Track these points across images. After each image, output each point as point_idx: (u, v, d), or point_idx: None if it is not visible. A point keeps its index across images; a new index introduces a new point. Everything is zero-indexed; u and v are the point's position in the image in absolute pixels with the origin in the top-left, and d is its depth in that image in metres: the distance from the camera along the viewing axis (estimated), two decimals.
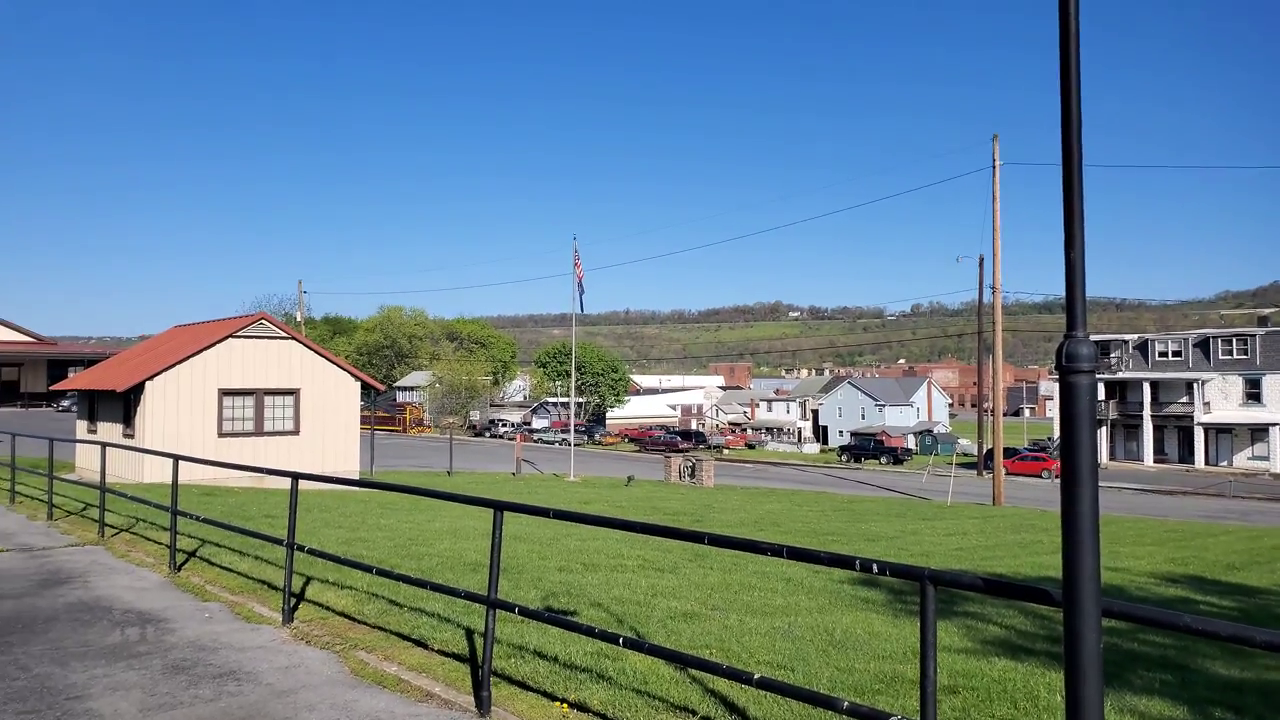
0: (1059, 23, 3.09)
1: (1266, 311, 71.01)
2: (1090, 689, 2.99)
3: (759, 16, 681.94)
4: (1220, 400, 64.12)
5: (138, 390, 23.72)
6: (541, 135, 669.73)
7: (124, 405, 24.71)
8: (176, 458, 10.12)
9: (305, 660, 6.46)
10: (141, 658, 6.45)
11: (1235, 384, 63.55)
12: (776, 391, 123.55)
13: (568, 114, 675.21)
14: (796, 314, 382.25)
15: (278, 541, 8.13)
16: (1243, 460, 62.70)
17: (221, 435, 24.52)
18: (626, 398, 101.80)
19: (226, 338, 24.90)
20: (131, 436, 23.93)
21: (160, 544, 11.17)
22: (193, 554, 10.58)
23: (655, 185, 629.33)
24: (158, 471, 21.98)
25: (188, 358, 24.26)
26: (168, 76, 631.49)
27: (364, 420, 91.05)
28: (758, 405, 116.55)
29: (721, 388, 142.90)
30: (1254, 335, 63.47)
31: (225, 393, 24.76)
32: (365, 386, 28.37)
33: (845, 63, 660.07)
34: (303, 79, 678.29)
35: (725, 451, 76.43)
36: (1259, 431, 62.21)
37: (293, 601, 7.78)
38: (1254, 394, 62.64)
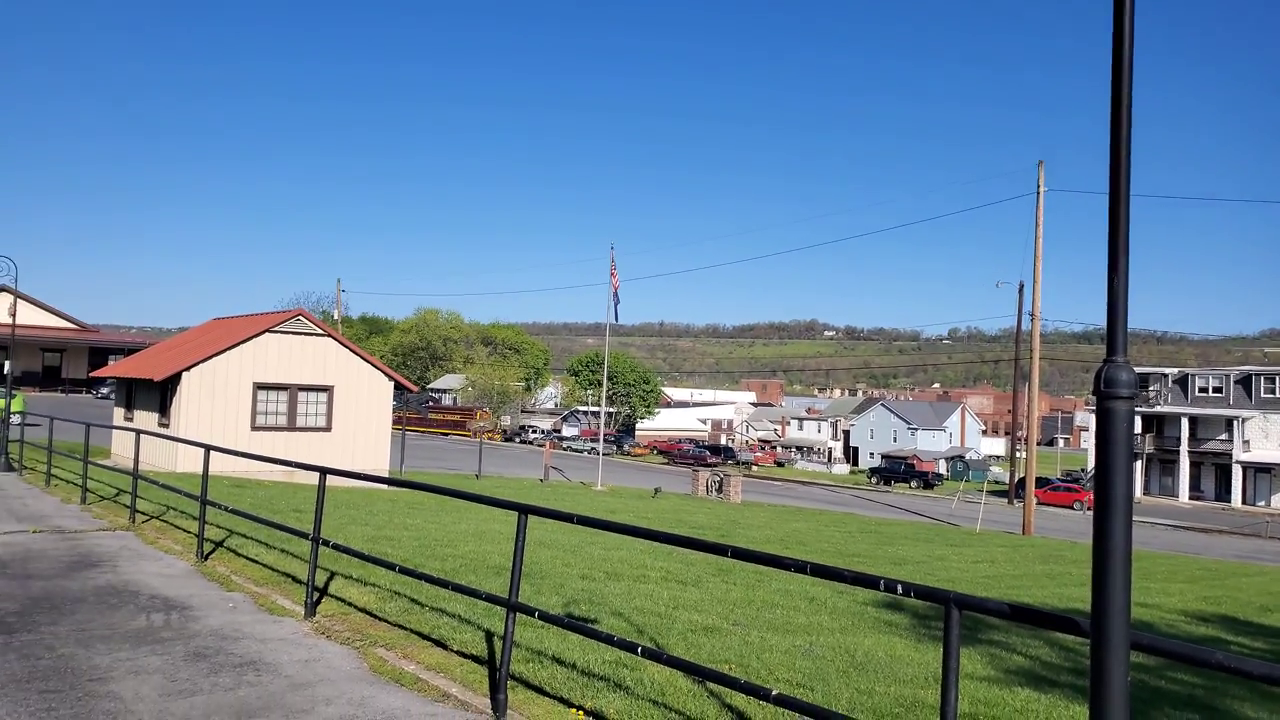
0: (1112, 53, 3.07)
1: None
2: None
3: (807, 34, 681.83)
4: (1260, 439, 62.73)
5: (174, 380, 24.09)
6: (583, 144, 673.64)
7: (160, 394, 25.10)
8: (208, 448, 10.25)
9: (325, 654, 6.50)
10: (165, 643, 6.53)
11: (1277, 423, 62.17)
12: (808, 410, 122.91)
13: (609, 124, 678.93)
14: (832, 333, 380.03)
15: (304, 535, 8.19)
16: None
17: (255, 429, 24.80)
18: (657, 410, 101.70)
19: (263, 332, 25.21)
20: (166, 425, 24.30)
21: (189, 532, 11.32)
22: (220, 544, 10.70)
23: (694, 198, 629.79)
24: (190, 461, 22.25)
25: (224, 350, 24.60)
26: (215, 78, 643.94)
27: (428, 422, 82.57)
28: (789, 423, 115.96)
29: (753, 404, 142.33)
30: None
31: (260, 386, 25.06)
32: (399, 387, 28.58)
33: (893, 83, 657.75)
34: (350, 83, 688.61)
35: (754, 468, 76.02)
36: None
37: (315, 596, 7.84)
38: None
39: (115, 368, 31.00)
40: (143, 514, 12.71)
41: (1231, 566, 26.80)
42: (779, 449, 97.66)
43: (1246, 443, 62.83)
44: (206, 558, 9.86)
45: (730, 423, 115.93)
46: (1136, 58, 3.09)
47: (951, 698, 3.61)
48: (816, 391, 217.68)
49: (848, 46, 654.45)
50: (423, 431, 77.53)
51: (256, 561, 9.87)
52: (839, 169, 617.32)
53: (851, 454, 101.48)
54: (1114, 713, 2.93)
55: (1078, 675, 8.31)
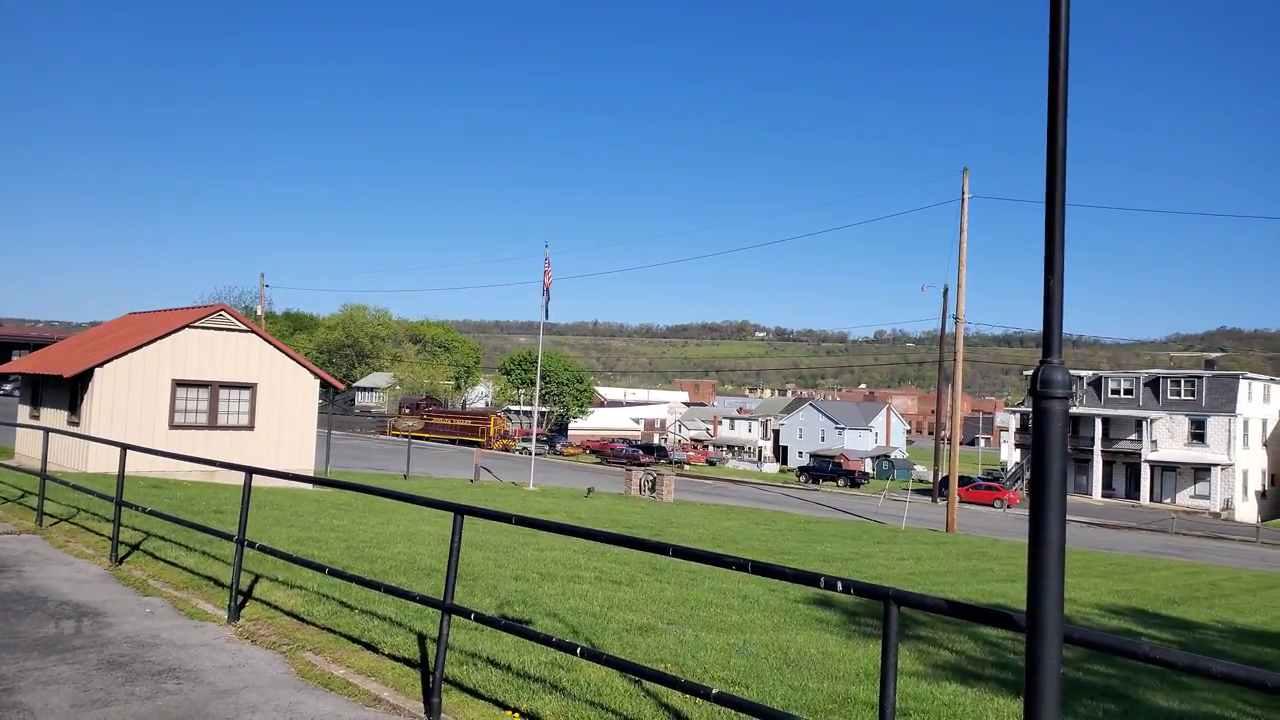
0: (1049, 59, 3.13)
1: (1213, 355, 73.03)
2: (1049, 713, 2.99)
3: (735, 34, 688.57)
4: (1167, 439, 65.53)
5: (86, 377, 23.13)
6: (515, 142, 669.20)
7: (71, 392, 24.08)
8: (124, 446, 9.85)
9: (250, 660, 6.29)
10: (76, 652, 6.24)
11: (1181, 424, 65.02)
12: (740, 410, 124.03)
13: (542, 122, 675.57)
14: (763, 334, 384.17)
15: (227, 537, 7.93)
16: (1185, 498, 64.10)
17: (173, 427, 23.98)
18: (590, 409, 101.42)
19: (183, 328, 24.38)
20: (77, 424, 23.32)
21: (102, 535, 10.86)
22: (136, 547, 10.29)
23: (628, 199, 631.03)
24: (104, 461, 21.41)
25: (141, 346, 23.72)
26: (137, 66, 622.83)
27: (431, 428, 73.98)
28: (720, 423, 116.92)
29: (685, 404, 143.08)
30: (1201, 378, 65.10)
31: (179, 384, 24.24)
32: (324, 384, 27.96)
33: (822, 85, 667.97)
34: (276, 78, 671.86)
35: (686, 467, 76.40)
36: (1201, 471, 63.69)
37: (240, 599, 7.59)
38: (1198, 434, 64.15)
39: (20, 363, 29.66)
40: (51, 516, 12.16)
41: (1140, 561, 27.91)
42: (711, 448, 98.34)
43: (1154, 442, 65.52)
44: (122, 561, 9.47)
45: (663, 422, 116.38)
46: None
47: (890, 691, 3.65)
48: (748, 391, 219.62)
49: (781, 48, 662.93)
50: (420, 438, 69.63)
51: (176, 565, 9.52)
52: (771, 170, 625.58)
53: (781, 453, 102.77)
54: (1048, 702, 2.99)
55: (1001, 669, 8.53)
